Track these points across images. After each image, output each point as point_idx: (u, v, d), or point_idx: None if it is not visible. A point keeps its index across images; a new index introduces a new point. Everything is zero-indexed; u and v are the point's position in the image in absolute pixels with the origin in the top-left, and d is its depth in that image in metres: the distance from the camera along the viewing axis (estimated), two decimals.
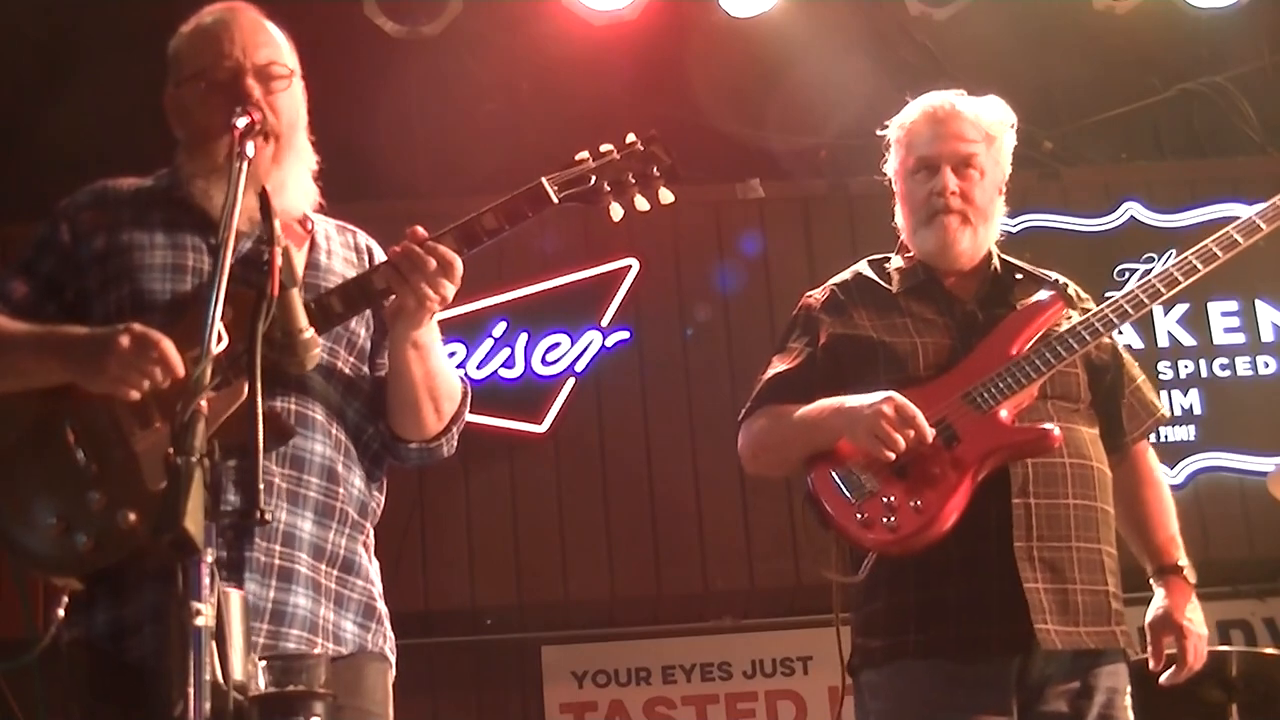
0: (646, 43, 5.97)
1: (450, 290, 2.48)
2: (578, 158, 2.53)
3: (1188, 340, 6.34)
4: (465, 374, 5.91)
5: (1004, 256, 3.16)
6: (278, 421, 2.46)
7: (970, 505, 2.86)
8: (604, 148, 2.54)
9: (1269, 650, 4.64)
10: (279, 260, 2.22)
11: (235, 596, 2.20)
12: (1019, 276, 3.12)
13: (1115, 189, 6.52)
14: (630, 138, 2.55)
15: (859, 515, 2.87)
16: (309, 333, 2.40)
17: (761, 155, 6.30)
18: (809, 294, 3.18)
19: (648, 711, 6.12)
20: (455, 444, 2.74)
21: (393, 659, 2.69)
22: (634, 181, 2.53)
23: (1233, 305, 6.35)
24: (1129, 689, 2.95)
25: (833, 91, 5.85)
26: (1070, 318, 3.02)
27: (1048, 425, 2.90)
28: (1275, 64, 6.53)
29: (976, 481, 2.87)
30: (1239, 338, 6.35)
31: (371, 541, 2.71)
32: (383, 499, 2.74)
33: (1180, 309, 6.27)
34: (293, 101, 2.63)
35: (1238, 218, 3.08)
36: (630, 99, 6.19)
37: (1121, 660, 2.94)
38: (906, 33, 6.16)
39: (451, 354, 6.08)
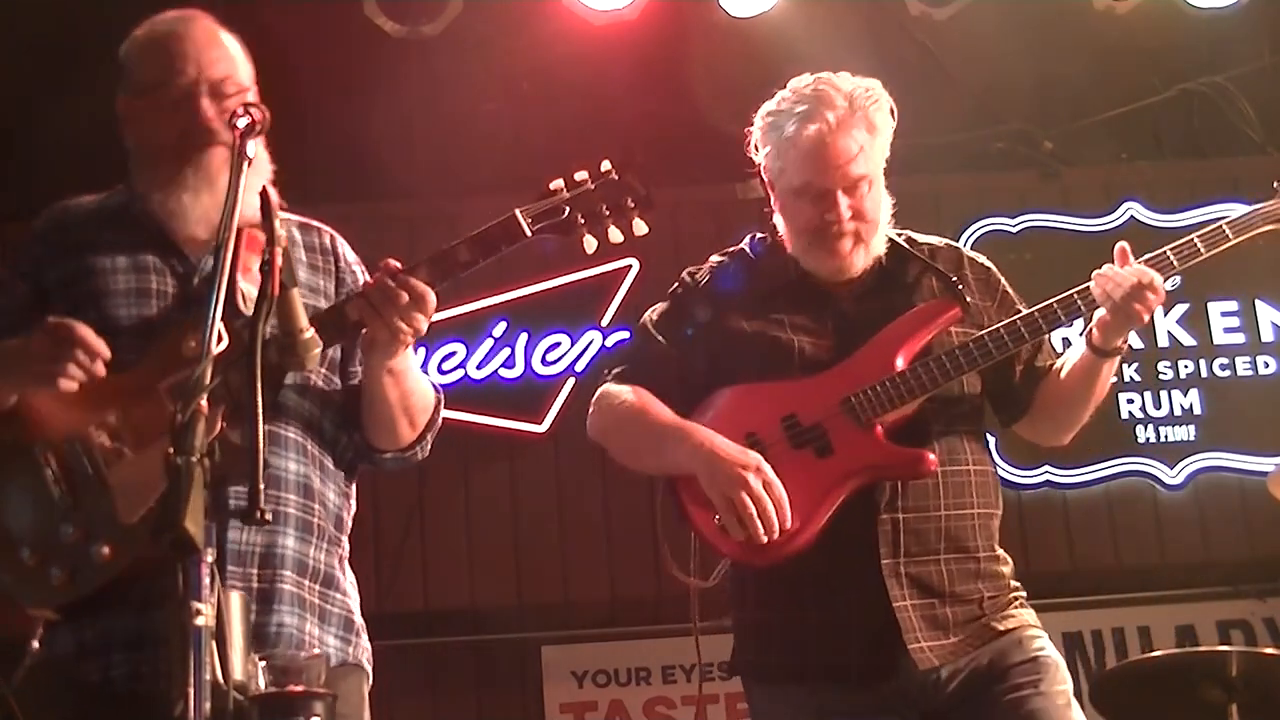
0: (646, 43, 5.96)
1: (423, 323, 2.47)
2: (552, 186, 2.50)
3: (1188, 340, 6.33)
4: (466, 374, 6.03)
5: (905, 240, 3.01)
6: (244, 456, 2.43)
7: (835, 521, 2.76)
8: (578, 175, 2.51)
9: (1269, 650, 4.63)
10: (279, 260, 2.21)
11: (235, 597, 2.20)
12: (909, 263, 2.98)
13: (1115, 189, 6.51)
14: (605, 165, 2.52)
15: (718, 518, 2.76)
16: (310, 332, 2.39)
17: None
18: (690, 270, 3.06)
19: (648, 711, 6.11)
20: (429, 448, 2.75)
21: (369, 669, 2.70)
22: (608, 213, 2.51)
23: (1233, 305, 6.34)
24: (1037, 635, 2.83)
25: None
26: (963, 321, 2.91)
27: (926, 450, 2.79)
28: (1275, 64, 6.53)
29: (843, 497, 2.77)
30: (1239, 338, 6.34)
31: (346, 553, 2.72)
32: (354, 508, 2.75)
33: (1180, 309, 6.25)
34: None
35: None
36: (630, 99, 6.19)
37: (1010, 630, 2.82)
38: (906, 33, 6.16)
39: (451, 353, 6.10)
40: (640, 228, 2.53)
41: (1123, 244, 2.90)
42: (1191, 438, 6.25)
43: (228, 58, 2.61)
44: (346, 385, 2.68)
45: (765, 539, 2.71)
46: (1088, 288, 2.88)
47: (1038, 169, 6.50)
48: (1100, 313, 2.87)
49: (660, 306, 3.05)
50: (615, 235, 2.52)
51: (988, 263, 3.08)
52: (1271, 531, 5.89)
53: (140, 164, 2.64)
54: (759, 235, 3.11)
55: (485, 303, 6.10)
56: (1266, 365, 6.34)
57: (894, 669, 2.76)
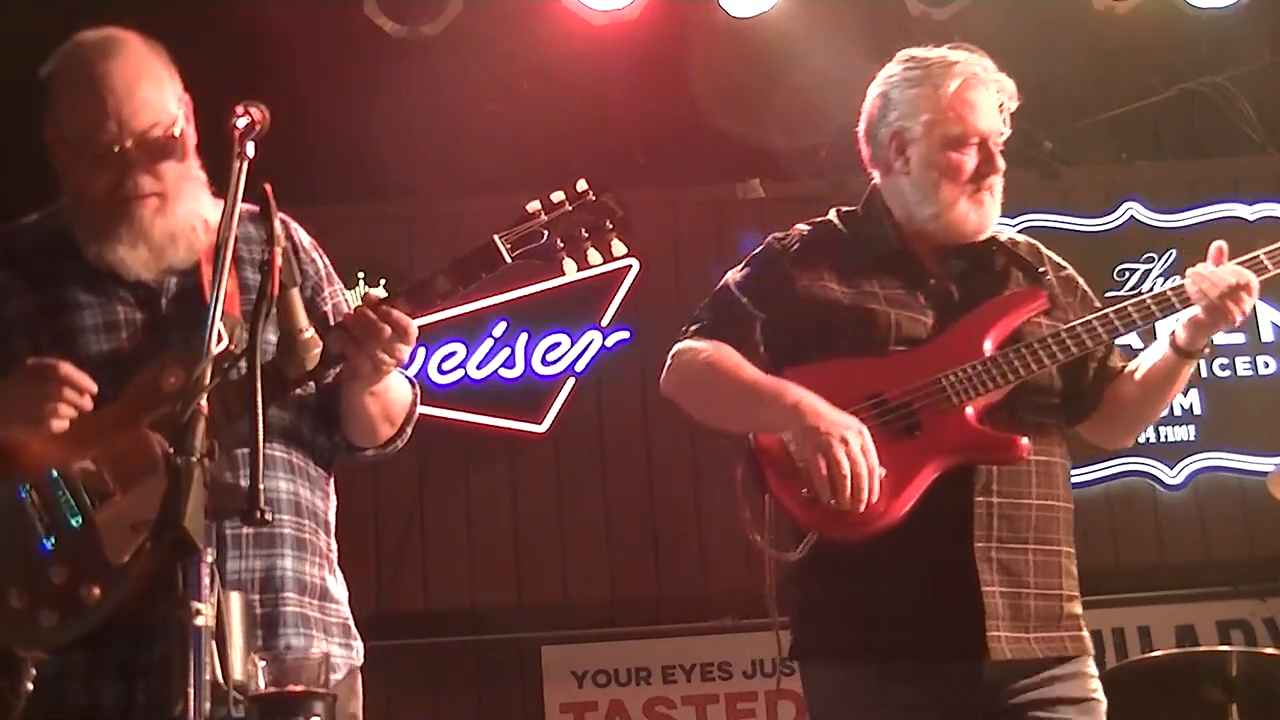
0: (646, 43, 5.96)
1: (406, 352, 2.46)
2: (529, 209, 2.49)
3: None
4: (466, 374, 6.03)
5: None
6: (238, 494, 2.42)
7: (928, 500, 2.73)
8: (555, 197, 2.50)
9: (1269, 650, 4.63)
10: (279, 260, 2.21)
11: (235, 598, 2.20)
12: (996, 253, 2.98)
13: (1115, 189, 6.52)
14: (581, 185, 2.51)
15: (804, 490, 2.71)
16: (309, 332, 2.39)
17: (761, 155, 6.29)
18: (777, 236, 3.01)
19: (648, 711, 6.11)
20: (408, 437, 2.75)
21: (360, 662, 2.71)
22: (586, 235, 2.50)
23: None
24: (1094, 674, 2.87)
25: (833, 91, 5.84)
26: (1049, 312, 2.91)
27: (1019, 435, 2.77)
28: (1275, 64, 6.53)
29: (933, 477, 2.74)
30: (1239, 338, 6.34)
31: (335, 554, 2.71)
32: (335, 504, 2.75)
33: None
34: (178, 152, 2.57)
35: (1238, 218, 3.03)
36: (630, 99, 6.19)
37: (1079, 655, 2.85)
38: (907, 33, 6.15)
39: (451, 353, 6.10)
40: (618, 248, 2.53)
41: (1220, 243, 2.90)
42: (1191, 438, 6.25)
43: (152, 99, 2.53)
44: (321, 386, 2.66)
45: (854, 508, 2.65)
46: (1182, 286, 2.88)
47: (1038, 169, 6.50)
48: (1191, 312, 2.88)
49: (744, 268, 2.99)
50: (594, 257, 2.52)
51: (1063, 261, 3.08)
52: (1271, 531, 5.89)
53: (73, 202, 2.61)
54: (845, 208, 3.06)
55: (485, 303, 6.10)
56: (1266, 365, 6.34)
57: (965, 651, 2.74)
